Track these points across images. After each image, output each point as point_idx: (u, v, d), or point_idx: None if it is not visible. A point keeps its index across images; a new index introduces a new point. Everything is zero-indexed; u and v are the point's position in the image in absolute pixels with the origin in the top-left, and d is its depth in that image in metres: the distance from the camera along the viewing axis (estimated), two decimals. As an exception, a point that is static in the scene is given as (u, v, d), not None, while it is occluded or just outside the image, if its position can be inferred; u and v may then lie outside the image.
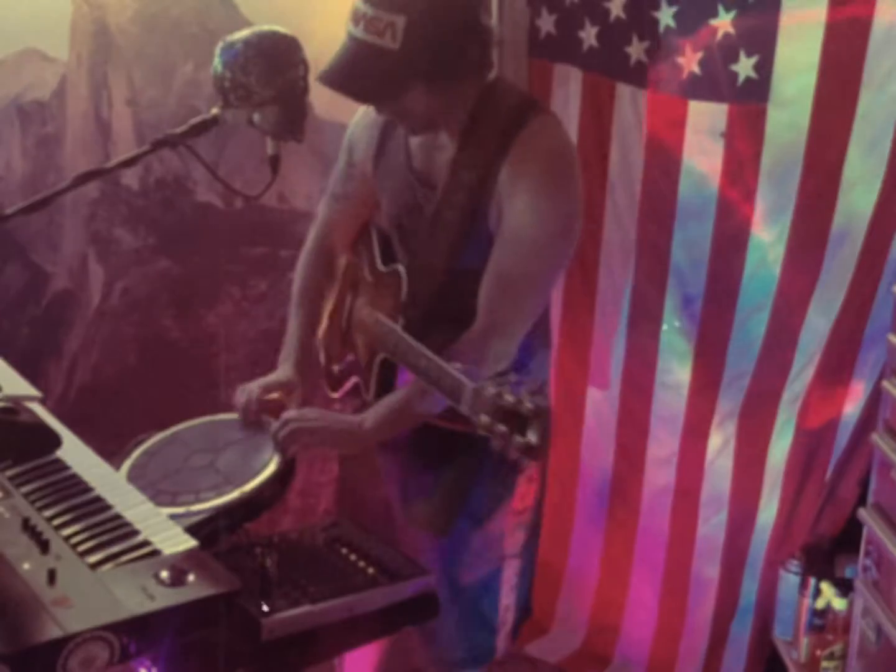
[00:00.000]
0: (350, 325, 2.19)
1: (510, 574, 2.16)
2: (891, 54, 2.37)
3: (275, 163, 1.97)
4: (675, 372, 2.90)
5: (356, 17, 1.85)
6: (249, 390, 2.06)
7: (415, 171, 2.04)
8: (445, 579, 2.03)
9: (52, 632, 1.30)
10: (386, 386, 2.05)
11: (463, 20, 1.87)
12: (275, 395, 2.09)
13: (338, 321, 2.24)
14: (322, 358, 2.30)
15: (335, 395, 2.24)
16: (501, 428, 1.50)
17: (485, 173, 1.92)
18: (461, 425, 1.97)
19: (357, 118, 2.17)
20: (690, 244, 2.80)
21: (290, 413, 1.98)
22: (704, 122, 2.69)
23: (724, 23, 2.56)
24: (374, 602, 1.73)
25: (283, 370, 2.14)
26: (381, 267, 2.11)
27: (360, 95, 1.94)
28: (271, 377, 2.11)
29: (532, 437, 1.47)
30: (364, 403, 2.11)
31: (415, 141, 2.04)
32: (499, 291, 1.92)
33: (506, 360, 1.96)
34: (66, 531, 1.55)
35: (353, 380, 2.18)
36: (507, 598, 2.17)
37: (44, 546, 1.49)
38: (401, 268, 2.03)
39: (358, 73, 1.86)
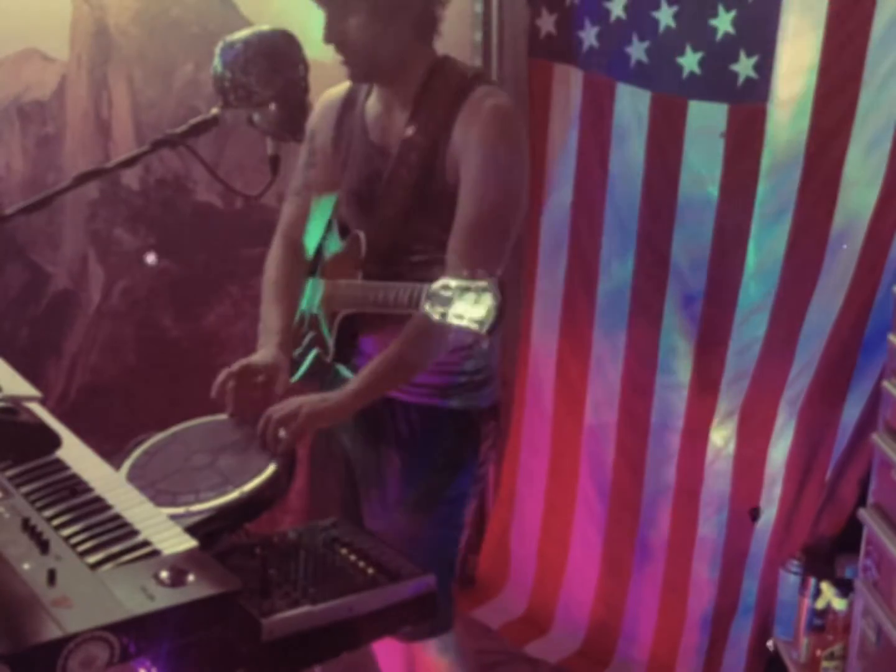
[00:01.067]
0: (311, 308, 2.24)
1: (464, 542, 2.26)
2: (891, 54, 2.37)
3: (275, 163, 1.97)
4: (675, 372, 2.90)
5: None
6: (229, 371, 2.06)
7: (372, 144, 2.15)
8: (408, 548, 2.06)
9: (52, 632, 1.30)
10: (346, 343, 2.14)
11: None
12: (260, 379, 2.08)
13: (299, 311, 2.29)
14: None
15: (294, 381, 2.25)
16: (456, 311, 1.60)
17: (436, 133, 2.04)
18: (426, 399, 2.14)
19: (316, 109, 2.22)
20: (690, 244, 2.80)
21: (272, 409, 1.98)
22: (704, 122, 2.69)
23: (724, 23, 2.56)
24: (373, 602, 1.73)
25: (266, 351, 2.13)
26: (339, 242, 2.20)
27: None
28: (254, 357, 2.10)
29: (483, 309, 1.58)
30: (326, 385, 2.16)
31: (371, 115, 2.15)
32: (465, 239, 2.01)
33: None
34: (66, 531, 1.55)
35: (312, 354, 2.21)
36: (459, 566, 2.28)
37: (44, 546, 1.48)
38: (359, 232, 2.14)
39: None
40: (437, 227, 2.05)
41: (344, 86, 2.23)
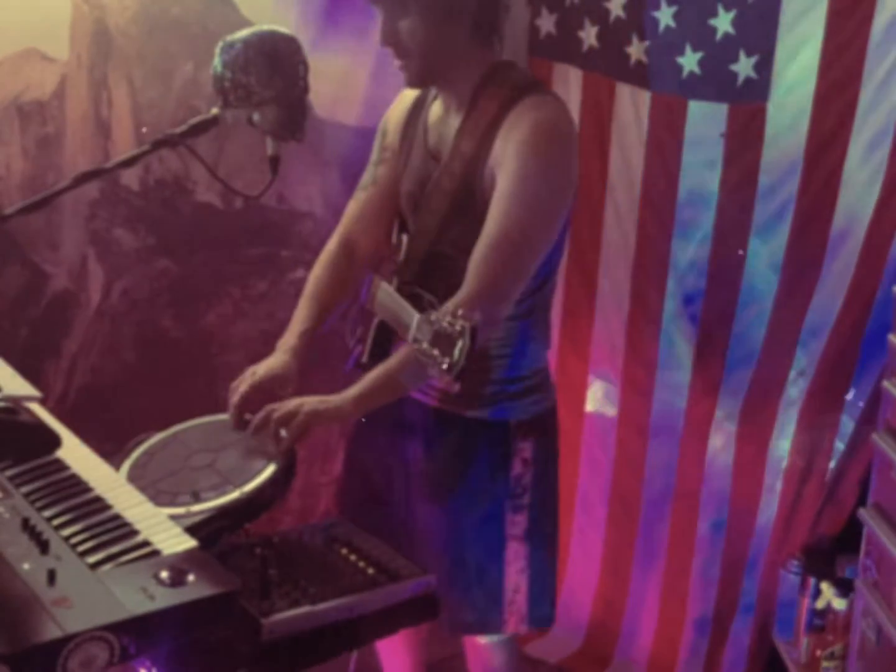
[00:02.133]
0: (366, 303, 2.21)
1: (514, 556, 2.20)
2: (891, 54, 2.37)
3: (275, 163, 1.97)
4: (675, 372, 2.90)
5: None
6: (239, 391, 2.05)
7: (429, 149, 2.12)
8: (447, 551, 2.11)
9: (52, 632, 1.30)
10: (380, 348, 2.12)
11: None
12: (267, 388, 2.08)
13: (357, 300, 2.26)
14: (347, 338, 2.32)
15: (346, 370, 2.24)
16: (434, 351, 1.62)
17: (480, 141, 2.00)
18: (458, 408, 2.13)
19: (391, 107, 2.24)
20: (690, 244, 2.80)
21: (271, 406, 1.97)
22: (704, 122, 2.69)
23: (723, 23, 2.56)
24: (374, 602, 1.73)
25: (279, 358, 2.12)
26: (394, 241, 2.18)
27: None
28: (264, 369, 2.09)
29: (455, 353, 1.59)
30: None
31: (433, 118, 2.12)
32: (485, 253, 1.97)
33: (494, 327, 2.02)
34: (66, 531, 1.55)
35: (358, 350, 2.20)
36: (514, 580, 2.21)
37: (44, 546, 1.48)
38: (405, 236, 2.12)
39: None
40: (474, 238, 2.00)
41: None
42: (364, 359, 2.15)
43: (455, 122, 2.06)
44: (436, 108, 2.14)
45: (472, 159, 2.01)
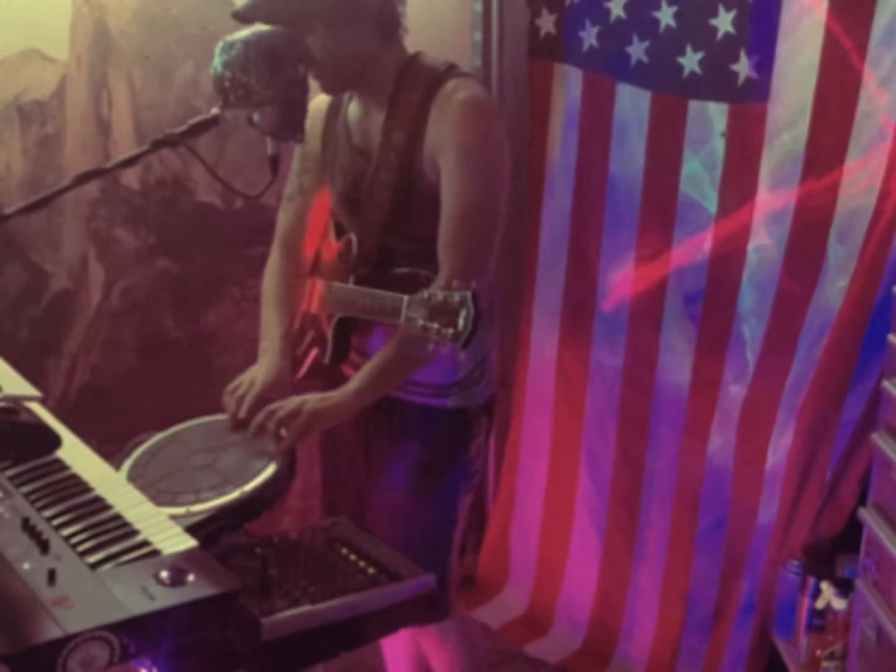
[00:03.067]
0: (310, 308, 2.26)
1: (458, 536, 2.29)
2: (891, 53, 2.37)
3: (275, 163, 1.97)
4: (675, 372, 2.90)
5: None
6: (243, 405, 2.06)
7: (354, 147, 2.17)
8: (401, 539, 2.09)
9: (52, 632, 1.30)
10: (342, 347, 2.17)
11: None
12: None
13: (305, 309, 2.31)
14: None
15: (298, 377, 2.27)
16: (434, 325, 1.65)
17: (412, 130, 2.05)
18: (422, 398, 2.18)
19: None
20: (690, 244, 2.80)
21: (272, 406, 1.99)
22: (704, 122, 2.69)
23: (724, 23, 2.56)
24: (374, 602, 1.73)
25: (273, 363, 2.14)
26: (334, 242, 2.22)
27: (263, 21, 1.98)
28: (262, 376, 2.10)
29: (460, 322, 1.62)
30: (327, 383, 2.18)
31: (352, 118, 2.18)
32: (452, 233, 2.03)
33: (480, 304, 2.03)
34: (66, 531, 1.55)
35: (313, 354, 2.24)
36: (456, 558, 2.31)
37: (44, 546, 1.48)
38: (351, 235, 2.16)
39: (262, 4, 2.02)
40: (422, 226, 2.07)
41: None
42: (326, 359, 2.18)
43: (378, 117, 2.11)
44: (354, 108, 2.18)
45: (406, 149, 2.06)
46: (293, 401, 1.99)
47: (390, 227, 2.12)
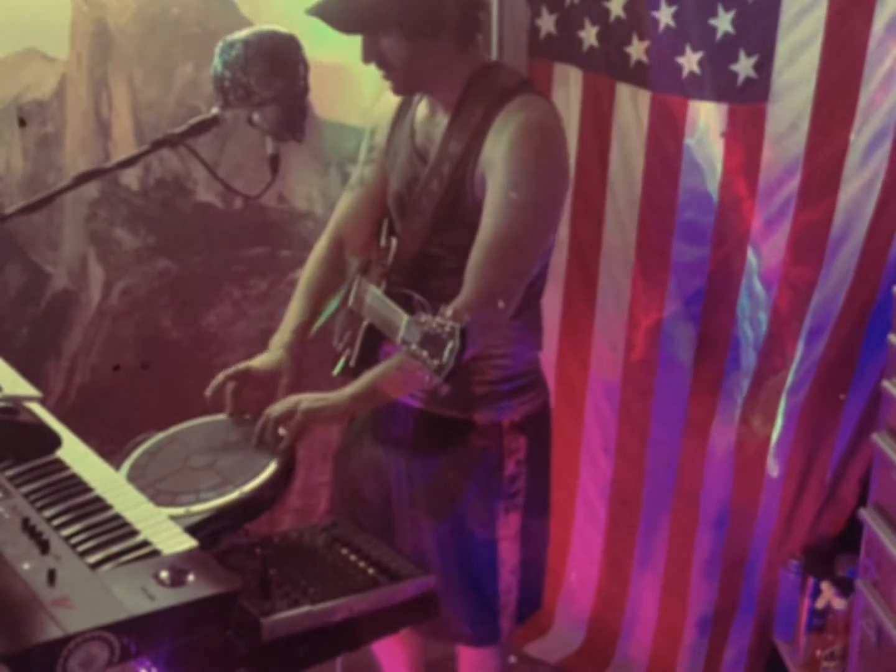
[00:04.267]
0: (354, 305, 2.22)
1: (507, 556, 2.19)
2: (891, 53, 2.37)
3: (275, 163, 1.97)
4: (675, 372, 2.90)
5: None
6: (224, 378, 2.07)
7: (416, 148, 2.11)
8: (442, 559, 2.10)
9: (52, 632, 1.30)
10: (368, 352, 2.13)
11: None
12: (260, 383, 2.09)
13: (345, 304, 2.27)
14: (334, 342, 2.32)
15: (334, 374, 2.25)
16: (423, 353, 1.61)
17: (469, 144, 1.99)
18: (448, 411, 2.12)
19: (379, 104, 2.25)
20: (690, 244, 2.80)
21: (270, 408, 1.98)
22: (704, 122, 2.69)
23: (723, 22, 2.56)
24: (374, 602, 1.73)
25: (274, 353, 2.14)
26: (382, 243, 2.17)
27: (339, 24, 1.96)
28: (258, 363, 2.10)
29: (445, 355, 1.58)
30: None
31: (419, 119, 2.12)
32: (483, 256, 1.97)
33: (496, 331, 2.04)
34: (66, 531, 1.55)
35: (346, 353, 2.21)
36: (507, 581, 2.21)
37: (44, 546, 1.48)
38: (393, 239, 2.13)
39: (341, 5, 1.95)
40: (466, 239, 2.00)
41: None
42: (352, 363, 2.15)
43: (443, 122, 2.06)
44: (422, 108, 2.14)
45: (460, 162, 2.00)
46: (289, 400, 1.99)
47: (431, 237, 2.06)
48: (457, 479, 2.15)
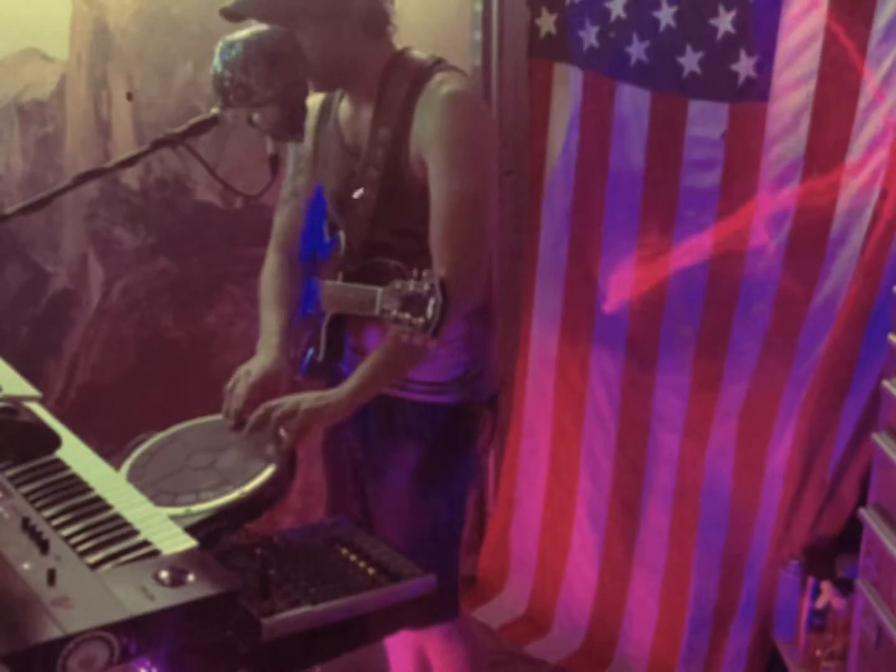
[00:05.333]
0: (309, 309, 2.26)
1: (464, 531, 2.29)
2: (891, 54, 2.37)
3: (275, 163, 1.97)
4: (675, 371, 2.90)
5: None
6: (237, 394, 2.08)
7: (346, 146, 2.18)
8: (409, 539, 2.11)
9: (52, 632, 1.30)
10: (335, 345, 2.18)
11: None
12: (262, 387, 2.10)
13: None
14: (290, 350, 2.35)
15: (297, 377, 2.27)
16: (406, 315, 1.65)
17: (397, 126, 2.06)
18: (424, 396, 2.17)
19: None
20: (691, 244, 2.80)
21: (269, 405, 1.99)
22: (704, 122, 2.69)
23: (724, 22, 2.56)
24: (374, 602, 1.73)
25: (269, 355, 2.16)
26: (326, 240, 2.22)
27: (252, 14, 2.03)
28: (258, 368, 2.12)
29: (429, 311, 1.62)
30: (327, 382, 2.20)
31: (343, 117, 2.19)
32: (442, 229, 2.03)
33: (475, 298, 2.08)
34: (66, 531, 1.55)
35: (310, 353, 2.24)
36: (461, 553, 2.30)
37: (44, 546, 1.48)
38: (340, 232, 2.18)
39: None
40: (411, 220, 2.07)
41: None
42: (319, 358, 2.20)
43: (367, 115, 2.12)
44: (345, 107, 2.20)
45: (392, 145, 2.07)
46: (289, 400, 1.99)
47: (377, 222, 2.12)
48: (435, 462, 2.20)
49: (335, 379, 2.17)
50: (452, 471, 2.23)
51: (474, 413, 2.23)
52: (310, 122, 2.24)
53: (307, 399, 2.00)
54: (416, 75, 2.08)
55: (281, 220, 2.36)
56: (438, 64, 2.13)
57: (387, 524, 2.20)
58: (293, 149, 2.30)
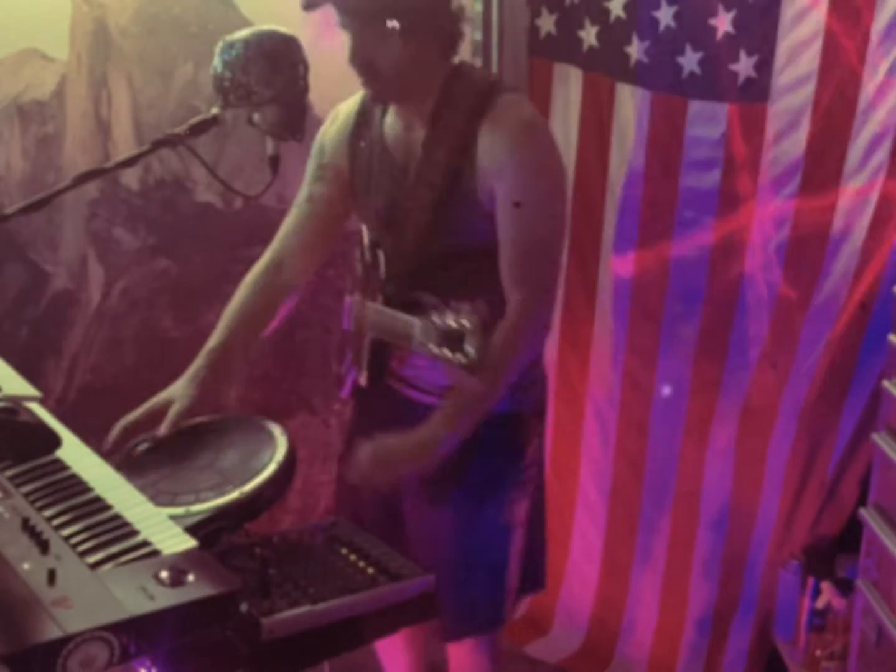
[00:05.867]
0: (349, 323, 2.19)
1: (518, 542, 2.20)
2: (891, 54, 2.37)
3: (275, 163, 1.97)
4: (675, 371, 2.90)
5: None
6: (132, 417, 2.04)
7: (394, 163, 2.07)
8: (454, 551, 2.08)
9: (52, 632, 1.30)
10: (378, 368, 2.11)
11: None
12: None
13: (338, 325, 2.24)
14: (333, 366, 2.29)
15: (342, 396, 2.23)
16: (446, 352, 1.62)
17: (458, 149, 1.97)
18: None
19: (326, 124, 2.20)
20: (690, 244, 2.80)
21: (365, 447, 1.95)
22: (704, 122, 2.69)
23: (723, 22, 2.56)
24: (374, 602, 1.73)
25: (181, 385, 2.08)
26: (367, 258, 2.15)
27: (348, 10, 1.93)
28: (165, 394, 2.06)
29: (469, 350, 1.59)
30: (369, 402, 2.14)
31: (390, 132, 2.08)
32: (517, 266, 1.98)
33: (548, 330, 2.07)
34: (66, 531, 1.55)
35: (352, 375, 2.18)
36: (514, 565, 2.22)
37: (44, 546, 1.48)
38: (380, 252, 2.09)
39: None
40: (462, 245, 2.01)
41: (354, 100, 2.16)
42: (362, 381, 2.13)
43: (420, 132, 2.03)
44: (392, 121, 2.09)
45: (450, 167, 1.98)
46: (388, 442, 1.96)
47: (427, 245, 2.03)
48: (482, 472, 2.13)
49: (377, 398, 2.14)
50: (501, 481, 2.15)
51: (523, 422, 2.16)
52: (344, 133, 2.16)
53: (403, 441, 1.97)
54: (478, 95, 1.99)
55: (288, 224, 2.24)
56: (498, 84, 2.06)
57: (432, 537, 2.13)
58: (315, 152, 2.20)
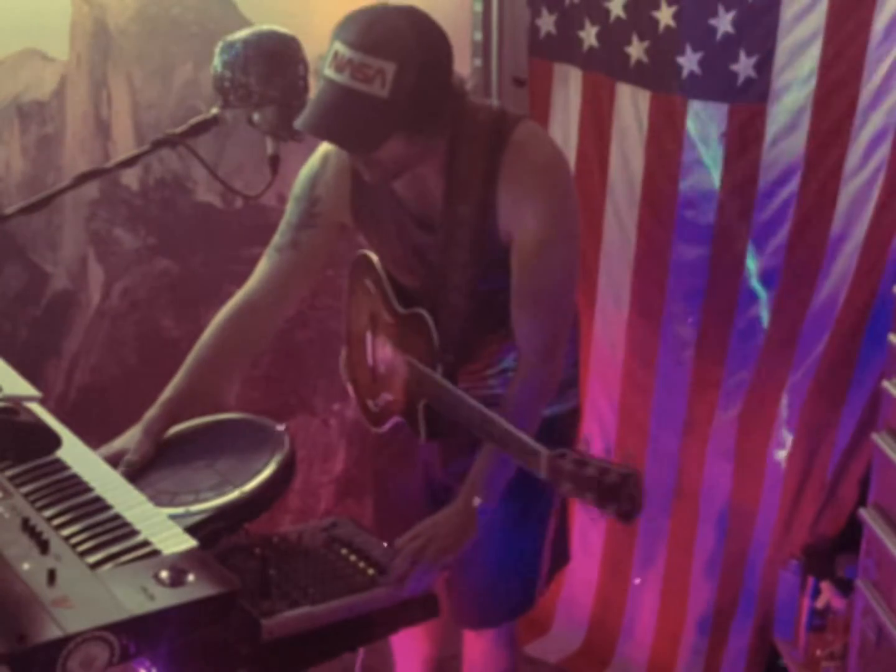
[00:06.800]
0: (377, 363, 2.13)
1: (553, 526, 2.23)
2: (891, 54, 2.37)
3: (275, 163, 1.97)
4: (675, 371, 2.90)
5: (339, 64, 1.73)
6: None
7: (411, 216, 1.98)
8: (492, 540, 2.07)
9: (52, 632, 1.30)
10: (436, 427, 2.02)
11: (444, 70, 1.82)
12: None
13: (362, 356, 2.17)
14: (351, 391, 2.23)
15: (378, 430, 2.17)
16: (590, 496, 1.55)
17: (481, 201, 1.89)
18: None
19: (315, 167, 2.07)
20: (690, 244, 2.80)
21: (417, 530, 1.91)
22: (704, 122, 2.69)
23: (724, 23, 2.56)
24: (374, 602, 1.73)
25: (133, 433, 1.98)
26: (400, 309, 2.05)
27: (346, 143, 1.82)
28: (118, 443, 1.97)
29: (626, 504, 1.52)
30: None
31: (402, 184, 1.96)
32: (532, 309, 1.94)
33: (560, 374, 2.03)
34: (66, 531, 1.55)
35: (395, 419, 2.11)
36: (548, 548, 2.24)
37: (44, 546, 1.48)
38: (424, 312, 1.99)
39: (343, 119, 1.76)
40: (502, 291, 1.95)
41: None
42: (420, 437, 2.04)
43: (437, 183, 1.93)
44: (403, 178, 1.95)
45: (476, 223, 1.90)
46: (442, 529, 1.92)
47: (471, 303, 1.95)
48: (523, 479, 2.01)
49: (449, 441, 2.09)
50: (537, 484, 2.05)
51: (560, 424, 2.13)
52: (342, 184, 2.03)
53: (448, 524, 1.93)
54: (490, 138, 1.88)
55: (267, 269, 2.08)
56: (505, 117, 1.93)
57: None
58: (304, 197, 2.06)
